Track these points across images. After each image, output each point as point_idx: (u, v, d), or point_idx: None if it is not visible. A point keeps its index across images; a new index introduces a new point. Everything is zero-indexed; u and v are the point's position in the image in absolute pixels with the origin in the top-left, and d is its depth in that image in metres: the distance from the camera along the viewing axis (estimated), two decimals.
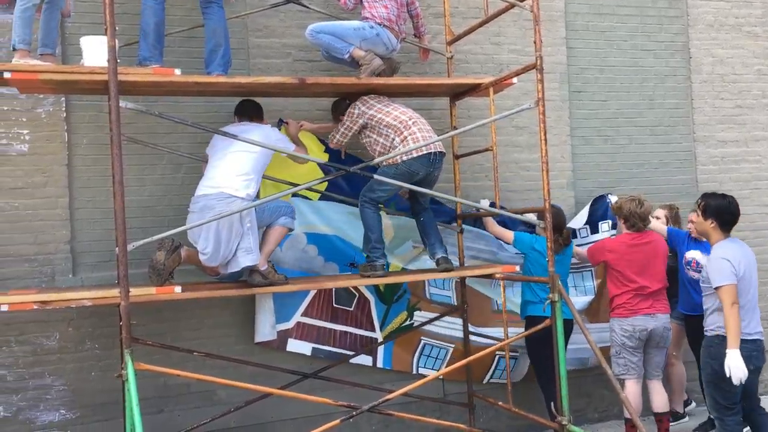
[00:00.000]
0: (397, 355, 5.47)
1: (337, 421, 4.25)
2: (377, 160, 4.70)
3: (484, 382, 5.60)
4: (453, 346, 5.54)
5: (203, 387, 4.98)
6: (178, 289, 4.25)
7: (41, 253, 4.83)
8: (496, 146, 5.12)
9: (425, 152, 4.71)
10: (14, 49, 4.21)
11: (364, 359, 5.38)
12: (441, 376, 5.37)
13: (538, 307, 4.98)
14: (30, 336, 4.77)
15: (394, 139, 4.77)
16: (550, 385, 4.88)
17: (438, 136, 4.90)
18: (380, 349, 5.43)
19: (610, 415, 6.08)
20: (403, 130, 4.74)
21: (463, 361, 4.81)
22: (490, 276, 5.12)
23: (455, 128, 5.33)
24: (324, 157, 5.20)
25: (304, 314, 5.26)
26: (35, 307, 4.04)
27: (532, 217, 4.96)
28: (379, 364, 5.42)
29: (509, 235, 5.31)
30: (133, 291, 3.96)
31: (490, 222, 5.38)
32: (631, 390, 5.02)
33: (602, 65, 6.32)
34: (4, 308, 3.97)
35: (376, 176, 4.68)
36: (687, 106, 6.57)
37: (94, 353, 4.89)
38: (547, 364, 4.96)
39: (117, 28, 3.94)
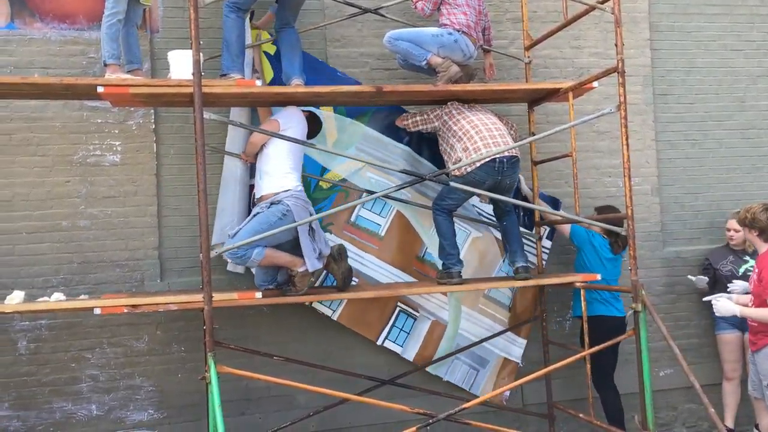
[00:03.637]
0: None
1: (414, 428, 4.25)
2: (451, 167, 4.68)
3: (379, 342, 5.25)
4: (357, 281, 5.12)
5: (283, 391, 5.07)
6: (258, 294, 4.36)
7: (131, 259, 5.04)
8: (576, 152, 5.02)
9: (488, 160, 4.63)
10: (105, 65, 4.40)
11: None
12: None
13: (601, 307, 5.12)
14: (121, 338, 4.99)
15: (457, 149, 4.75)
16: (608, 392, 5.11)
17: (515, 142, 4.84)
18: None
19: (700, 430, 5.84)
20: (466, 141, 4.71)
21: (542, 371, 4.72)
22: (569, 285, 5.01)
23: (533, 134, 5.25)
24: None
25: None
26: (125, 310, 4.21)
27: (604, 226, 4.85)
28: None
29: (566, 227, 5.23)
30: (216, 296, 4.09)
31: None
32: None
33: (689, 67, 6.10)
34: (98, 311, 4.17)
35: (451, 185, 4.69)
36: None
37: (180, 355, 5.07)
38: (607, 369, 5.14)
39: (201, 42, 4.08)
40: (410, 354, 5.34)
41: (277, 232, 4.22)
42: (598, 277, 4.91)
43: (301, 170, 4.71)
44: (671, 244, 5.95)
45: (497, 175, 4.69)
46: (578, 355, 4.78)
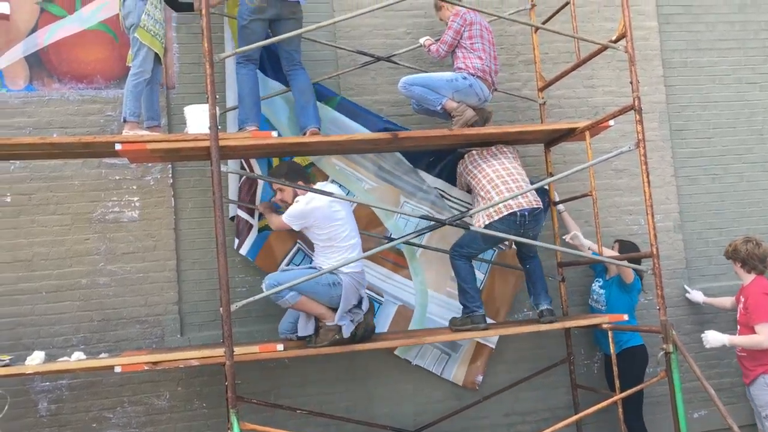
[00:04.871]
0: (266, 252, 5.02)
1: None
2: (472, 214, 4.62)
3: None
4: None
5: None
6: (280, 347, 4.28)
7: (151, 315, 5.01)
8: (596, 191, 4.97)
9: (506, 213, 4.57)
10: (125, 121, 4.45)
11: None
12: None
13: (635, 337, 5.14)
14: (142, 396, 4.92)
15: (479, 202, 4.74)
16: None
17: (532, 184, 4.78)
18: (250, 237, 5.00)
19: None
20: (484, 195, 4.69)
21: (573, 418, 4.59)
22: (596, 325, 4.90)
23: (551, 175, 5.22)
24: None
25: None
26: (146, 367, 4.16)
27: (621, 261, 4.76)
28: (243, 251, 4.99)
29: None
30: (237, 350, 4.02)
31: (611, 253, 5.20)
32: None
33: (704, 102, 6.07)
34: (118, 369, 4.12)
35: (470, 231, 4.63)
36: None
37: (202, 412, 4.98)
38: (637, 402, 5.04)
39: (217, 96, 4.11)
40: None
41: (303, 279, 4.20)
42: (626, 317, 4.81)
43: (353, 238, 4.52)
44: (697, 281, 5.84)
45: (519, 228, 4.61)
46: (610, 400, 4.63)
